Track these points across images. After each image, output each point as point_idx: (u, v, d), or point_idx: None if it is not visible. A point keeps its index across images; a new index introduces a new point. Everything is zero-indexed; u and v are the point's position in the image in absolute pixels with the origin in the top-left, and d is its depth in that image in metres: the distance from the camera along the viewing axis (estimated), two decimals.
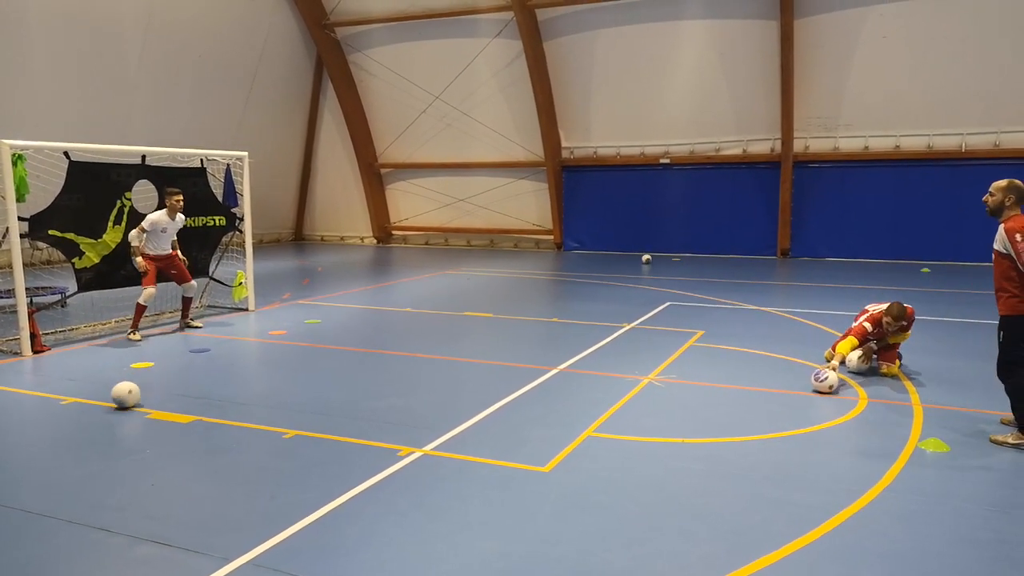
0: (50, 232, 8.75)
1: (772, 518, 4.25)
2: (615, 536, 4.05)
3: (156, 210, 9.55)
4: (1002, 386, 5.55)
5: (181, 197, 9.43)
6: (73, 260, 9.07)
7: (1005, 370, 5.48)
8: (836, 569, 3.70)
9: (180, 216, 9.55)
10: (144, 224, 9.21)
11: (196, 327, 9.86)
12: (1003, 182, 5.50)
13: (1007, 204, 5.42)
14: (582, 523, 4.19)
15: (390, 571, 3.69)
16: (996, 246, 5.42)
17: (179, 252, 9.76)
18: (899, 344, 7.50)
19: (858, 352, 7.34)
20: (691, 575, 3.65)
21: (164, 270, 9.53)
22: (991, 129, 16.78)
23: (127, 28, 17.44)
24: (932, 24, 16.66)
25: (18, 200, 8.18)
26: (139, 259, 9.15)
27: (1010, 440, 5.42)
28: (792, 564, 3.76)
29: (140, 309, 9.23)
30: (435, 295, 12.95)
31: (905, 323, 7.27)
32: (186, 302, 9.90)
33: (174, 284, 9.86)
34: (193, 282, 9.85)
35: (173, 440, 5.61)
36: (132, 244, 9.20)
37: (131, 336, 9.12)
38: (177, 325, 9.93)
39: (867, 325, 7.33)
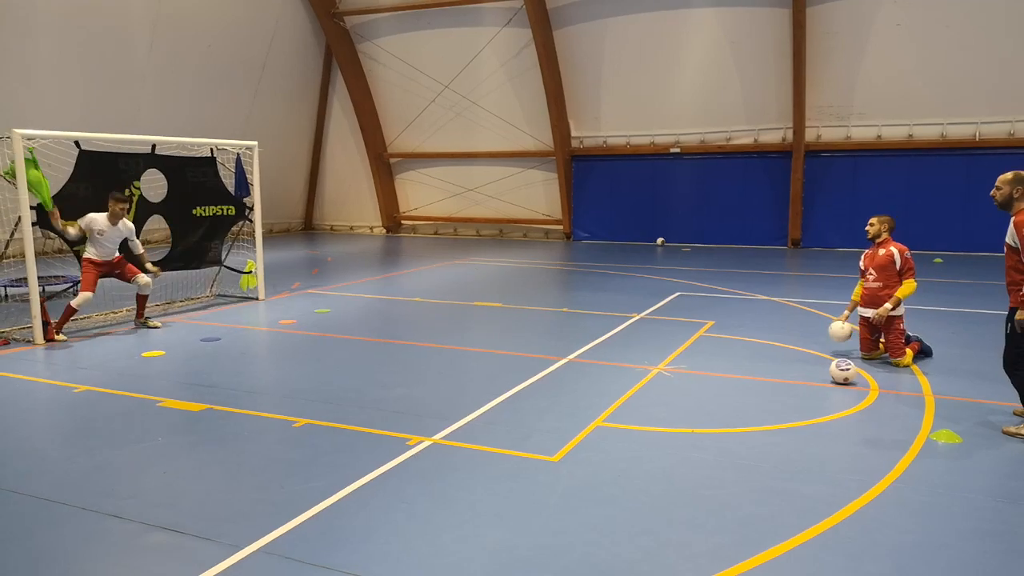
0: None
1: (781, 510, 4.23)
2: (623, 527, 4.04)
3: (100, 212, 8.79)
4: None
5: (126, 207, 8.93)
6: (78, 249, 9.09)
7: (1012, 362, 5.44)
8: (844, 561, 3.69)
9: (125, 224, 8.91)
10: (80, 221, 8.60)
11: (154, 327, 9.14)
12: (1009, 175, 5.44)
13: (1016, 196, 5.36)
14: (590, 514, 4.19)
15: (398, 560, 3.70)
16: (1007, 239, 5.37)
17: (123, 257, 9.06)
18: (899, 329, 7.31)
19: (841, 323, 7.70)
20: (699, 566, 3.64)
21: (109, 273, 8.93)
22: (1005, 118, 16.59)
23: (136, 19, 17.45)
24: (946, 11, 16.45)
25: (46, 206, 8.26)
26: (61, 222, 8.49)
27: (1023, 431, 5.38)
28: (800, 556, 3.75)
29: (69, 311, 8.59)
30: (444, 285, 12.96)
31: (888, 228, 7.50)
32: (140, 300, 9.20)
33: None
34: (144, 277, 9.06)
35: (184, 428, 5.64)
36: (60, 227, 8.54)
37: (56, 336, 8.42)
38: (132, 326, 9.27)
39: (860, 265, 7.75)
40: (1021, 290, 5.26)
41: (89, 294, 8.65)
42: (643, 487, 4.54)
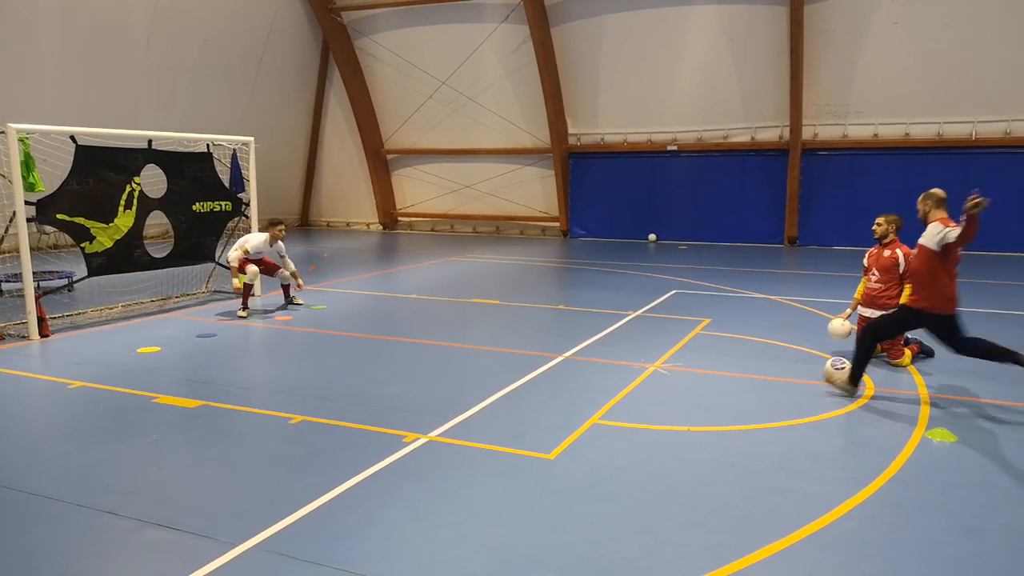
0: (58, 216, 8.74)
1: (778, 507, 4.24)
2: (621, 524, 4.05)
3: (260, 232, 10.41)
4: (1011, 375, 5.57)
5: (283, 228, 10.32)
6: (83, 245, 9.07)
7: (869, 334, 6.16)
8: (840, 558, 3.70)
9: (280, 245, 10.23)
10: (249, 247, 9.87)
11: (298, 304, 10.47)
12: (922, 195, 6.09)
13: (927, 209, 6.02)
14: (587, 511, 4.20)
15: (395, 557, 3.70)
16: (927, 242, 5.91)
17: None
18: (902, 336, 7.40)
19: (842, 320, 7.51)
20: (696, 564, 3.65)
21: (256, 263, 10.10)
22: (1002, 117, 16.61)
23: (133, 15, 17.38)
24: (943, 10, 16.47)
25: (29, 189, 8.19)
26: (235, 280, 9.94)
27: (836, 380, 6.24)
28: (797, 553, 3.76)
29: (247, 289, 9.88)
30: (441, 282, 12.95)
31: (896, 229, 7.47)
32: (284, 288, 10.55)
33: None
34: (283, 270, 10.33)
35: (180, 425, 5.63)
36: (232, 264, 9.90)
37: (241, 312, 9.73)
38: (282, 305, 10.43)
39: (864, 263, 7.69)
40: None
41: (254, 267, 9.88)
42: (640, 485, 4.55)
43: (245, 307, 9.83)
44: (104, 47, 16.98)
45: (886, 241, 7.46)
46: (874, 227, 7.53)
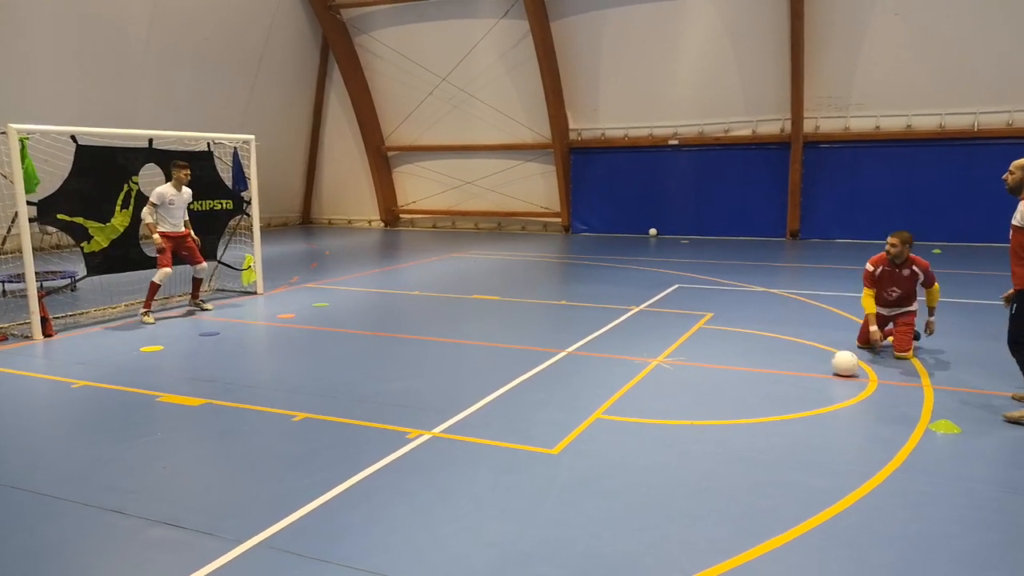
0: (59, 216, 8.77)
1: (781, 501, 4.24)
2: (624, 519, 4.04)
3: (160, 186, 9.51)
4: (1013, 365, 5.52)
5: (188, 171, 9.49)
6: (82, 244, 9.10)
7: (1018, 341, 5.46)
8: (845, 552, 3.69)
9: (187, 190, 9.59)
10: (152, 198, 9.22)
11: (207, 309, 9.90)
12: (1023, 160, 5.47)
13: None
14: (591, 506, 4.19)
15: (398, 553, 3.70)
16: (1014, 221, 5.37)
17: (192, 232, 9.75)
18: (911, 323, 7.42)
19: (849, 355, 6.72)
20: (700, 558, 3.64)
21: (177, 251, 9.52)
22: (1004, 108, 16.56)
23: (132, 12, 17.38)
24: (944, 1, 16.40)
25: (29, 191, 8.18)
26: (156, 236, 9.16)
27: None
28: (801, 547, 3.75)
29: (154, 288, 9.24)
30: (443, 278, 12.94)
31: (910, 247, 7.23)
32: (196, 283, 10.02)
33: (185, 267, 9.98)
34: (205, 264, 9.92)
35: (183, 423, 5.64)
36: (145, 222, 9.22)
37: (144, 318, 9.14)
38: (187, 308, 9.94)
39: (868, 267, 7.41)
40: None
41: (168, 269, 9.27)
42: (643, 480, 4.54)
43: (149, 311, 9.18)
44: (103, 45, 16.98)
45: (900, 261, 7.29)
46: (889, 248, 7.25)
